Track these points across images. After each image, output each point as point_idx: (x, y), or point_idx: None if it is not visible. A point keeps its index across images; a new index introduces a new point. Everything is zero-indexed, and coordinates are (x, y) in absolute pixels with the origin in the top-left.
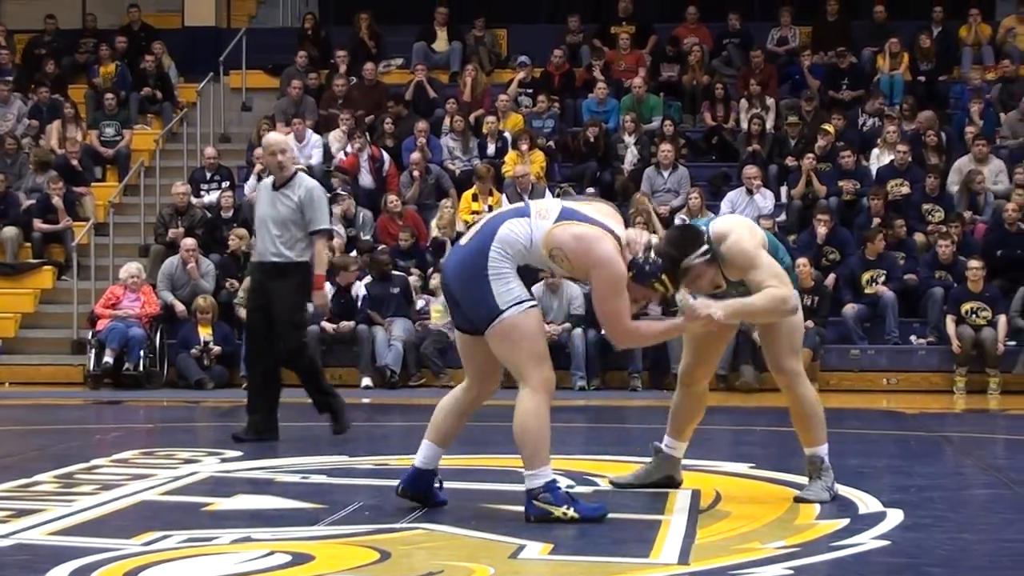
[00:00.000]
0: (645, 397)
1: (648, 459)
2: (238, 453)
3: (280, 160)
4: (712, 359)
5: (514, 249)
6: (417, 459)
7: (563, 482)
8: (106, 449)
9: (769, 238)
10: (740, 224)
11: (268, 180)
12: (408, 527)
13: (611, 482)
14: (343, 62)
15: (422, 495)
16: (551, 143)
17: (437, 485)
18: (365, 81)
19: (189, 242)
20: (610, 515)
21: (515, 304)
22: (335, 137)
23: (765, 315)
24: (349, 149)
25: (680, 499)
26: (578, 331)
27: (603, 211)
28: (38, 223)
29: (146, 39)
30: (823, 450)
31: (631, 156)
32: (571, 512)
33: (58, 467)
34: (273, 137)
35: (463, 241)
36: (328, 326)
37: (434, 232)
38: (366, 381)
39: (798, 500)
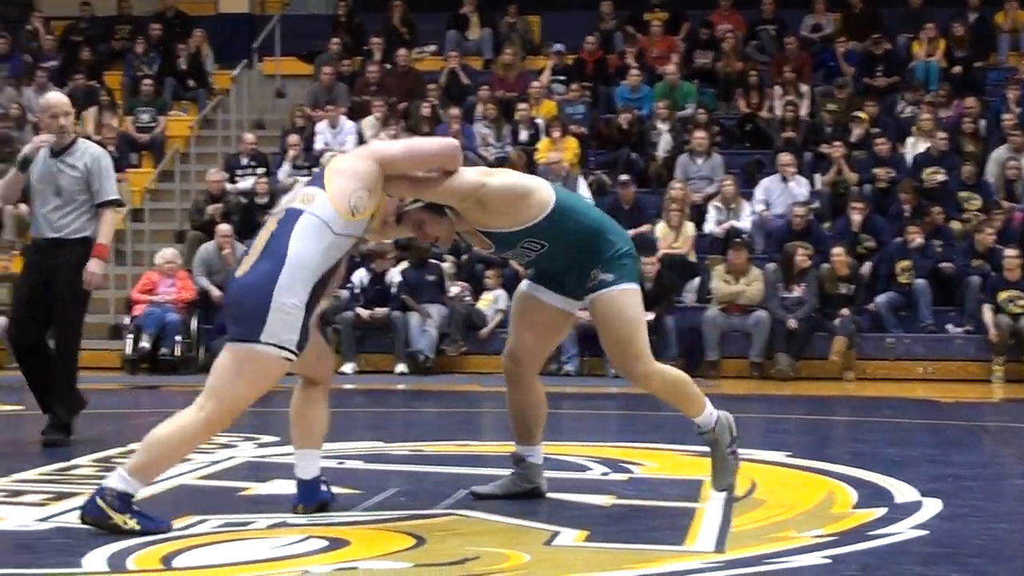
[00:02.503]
0: None
1: (684, 447)
2: (275, 438)
3: (62, 123)
4: (542, 345)
5: (314, 264)
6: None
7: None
8: (143, 433)
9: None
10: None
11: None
12: (443, 513)
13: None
14: (377, 49)
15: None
16: (583, 129)
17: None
18: (398, 68)
19: (225, 228)
20: (646, 503)
21: (277, 346)
22: (369, 124)
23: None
24: (383, 136)
25: None
26: None
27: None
28: None
29: (180, 26)
30: (708, 413)
31: (664, 143)
32: (132, 523)
33: (96, 451)
34: (54, 97)
35: (240, 272)
36: (363, 312)
37: None
38: (400, 367)
39: (723, 489)
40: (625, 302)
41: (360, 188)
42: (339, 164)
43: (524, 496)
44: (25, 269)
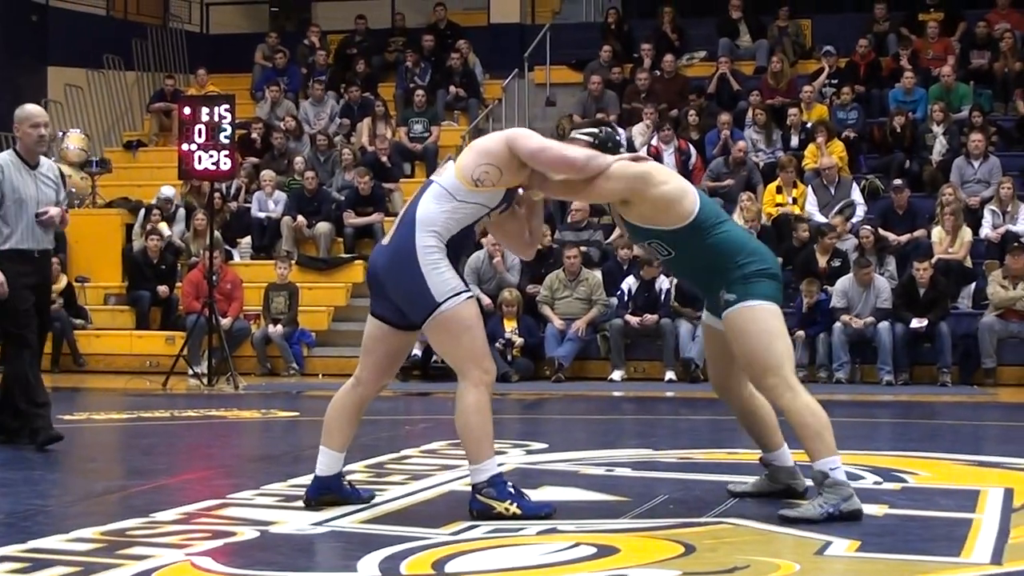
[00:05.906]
0: (954, 392)
1: (960, 456)
2: (543, 445)
3: (43, 134)
4: (728, 360)
5: (439, 221)
6: (317, 467)
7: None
8: (415, 440)
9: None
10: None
11: (14, 158)
12: (713, 521)
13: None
14: (647, 55)
15: (332, 501)
16: (854, 134)
17: (348, 485)
18: (664, 74)
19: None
20: (920, 513)
21: (452, 296)
22: (638, 131)
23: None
24: (653, 142)
25: (992, 498)
26: (885, 325)
27: None
28: (349, 215)
29: (452, 37)
30: (828, 463)
31: (939, 146)
32: (513, 508)
33: (369, 457)
34: (34, 108)
35: (385, 241)
36: (632, 319)
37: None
38: (670, 375)
39: (782, 519)
40: (748, 319)
41: (486, 164)
42: (476, 143)
43: (779, 496)
44: (18, 280)
